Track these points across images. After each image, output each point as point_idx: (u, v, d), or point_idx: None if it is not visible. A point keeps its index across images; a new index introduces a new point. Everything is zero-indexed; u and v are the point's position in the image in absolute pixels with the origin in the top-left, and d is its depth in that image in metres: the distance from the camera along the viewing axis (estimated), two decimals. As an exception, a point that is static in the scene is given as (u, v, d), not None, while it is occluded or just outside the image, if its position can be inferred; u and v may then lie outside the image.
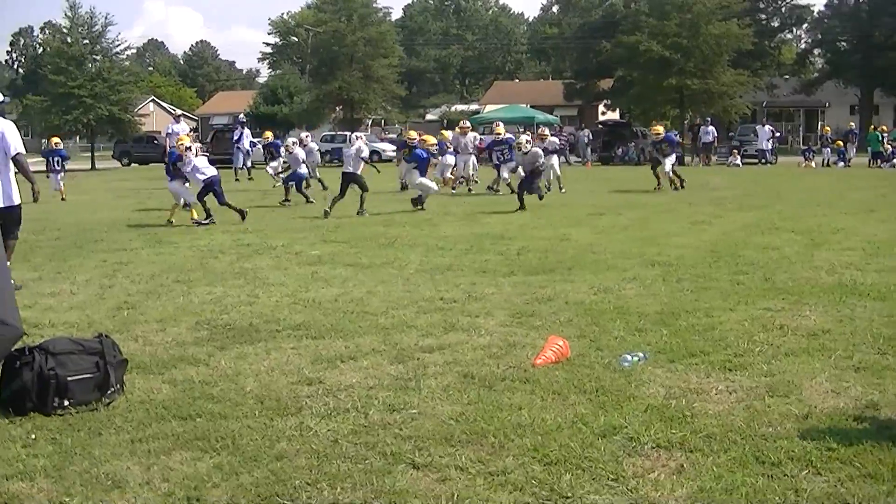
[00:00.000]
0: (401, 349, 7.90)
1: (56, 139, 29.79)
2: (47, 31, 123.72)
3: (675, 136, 28.41)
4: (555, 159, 26.02)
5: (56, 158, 27.53)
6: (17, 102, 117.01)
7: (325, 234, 16.56)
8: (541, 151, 22.04)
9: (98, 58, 60.70)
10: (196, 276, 12.20)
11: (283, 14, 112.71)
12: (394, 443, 5.55)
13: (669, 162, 26.25)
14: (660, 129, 27.85)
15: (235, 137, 37.02)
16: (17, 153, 11.22)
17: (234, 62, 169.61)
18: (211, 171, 18.87)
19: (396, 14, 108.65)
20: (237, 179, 34.08)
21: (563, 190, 25.73)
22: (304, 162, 24.43)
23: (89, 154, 61.84)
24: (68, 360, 6.40)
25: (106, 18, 60.64)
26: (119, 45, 61.85)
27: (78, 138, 77.34)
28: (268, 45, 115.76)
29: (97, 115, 57.56)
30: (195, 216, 18.97)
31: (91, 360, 6.48)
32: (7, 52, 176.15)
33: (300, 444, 5.58)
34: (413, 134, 25.48)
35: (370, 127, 72.77)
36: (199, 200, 18.77)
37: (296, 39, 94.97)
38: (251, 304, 10.21)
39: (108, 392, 6.46)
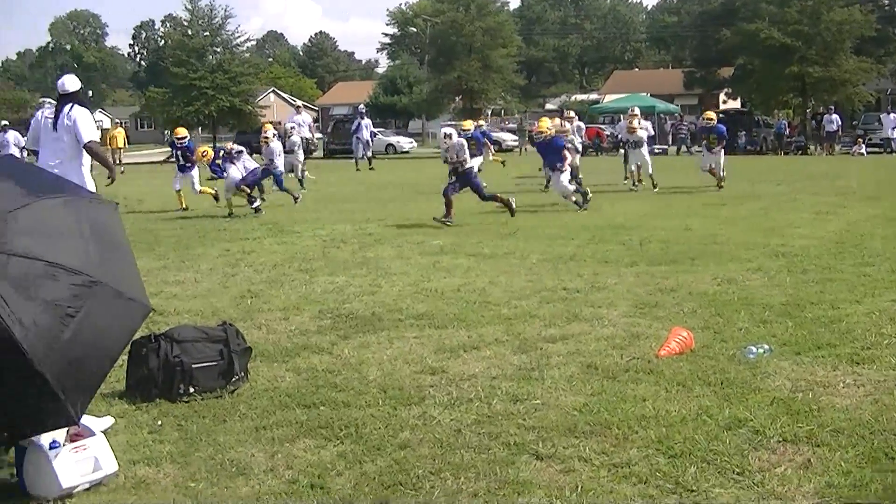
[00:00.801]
0: (524, 339, 7.91)
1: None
2: (168, 25, 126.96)
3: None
4: (645, 153, 23.36)
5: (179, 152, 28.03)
6: (139, 94, 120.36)
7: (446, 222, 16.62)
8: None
9: (218, 50, 61.96)
10: (318, 266, 12.38)
11: (401, 4, 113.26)
12: (517, 433, 5.58)
13: (707, 160, 23.07)
14: (711, 115, 24.79)
15: (354, 128, 37.48)
16: (90, 141, 10.88)
17: (353, 53, 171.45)
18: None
19: (514, 4, 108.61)
20: (358, 169, 34.48)
21: (656, 189, 22.49)
22: (279, 155, 21.88)
23: (211, 145, 63.26)
24: (193, 347, 6.58)
25: (225, 11, 62.01)
26: (239, 37, 63.10)
27: (200, 129, 79.16)
28: (386, 35, 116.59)
29: (218, 107, 58.76)
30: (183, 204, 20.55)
31: (215, 347, 6.65)
32: (130, 45, 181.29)
33: (423, 433, 5.65)
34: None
35: (489, 117, 72.83)
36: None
37: (414, 30, 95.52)
38: (373, 293, 10.33)
39: (233, 379, 6.63)
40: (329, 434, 5.67)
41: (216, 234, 16.21)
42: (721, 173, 22.84)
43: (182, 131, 22.49)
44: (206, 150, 21.79)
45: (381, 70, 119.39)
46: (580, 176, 21.31)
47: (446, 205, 16.64)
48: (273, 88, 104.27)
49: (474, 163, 19.32)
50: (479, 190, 17.26)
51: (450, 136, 17.42)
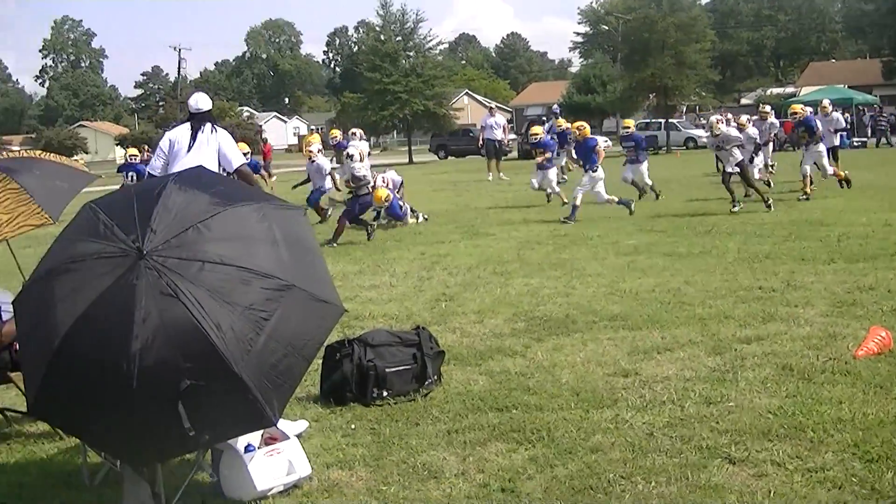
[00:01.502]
0: (718, 340, 7.85)
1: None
2: (361, 30, 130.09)
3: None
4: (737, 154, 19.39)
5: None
6: (335, 100, 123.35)
7: (642, 223, 16.53)
8: (735, 133, 18.79)
9: (411, 54, 62.81)
10: (513, 268, 12.52)
11: (592, 2, 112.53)
12: (710, 436, 5.56)
13: (810, 157, 19.84)
14: (797, 108, 21.43)
15: (547, 128, 37.59)
16: (241, 165, 10.23)
17: (545, 53, 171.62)
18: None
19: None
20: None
21: (806, 195, 19.44)
22: (329, 174, 21.02)
23: (406, 148, 64.25)
24: (387, 351, 6.79)
25: (417, 15, 62.54)
26: (431, 40, 63.83)
27: (395, 133, 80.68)
28: (578, 34, 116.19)
29: (413, 110, 59.57)
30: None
31: (409, 351, 6.85)
32: (324, 51, 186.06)
33: (615, 436, 5.68)
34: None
35: (685, 113, 71.64)
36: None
37: (606, 28, 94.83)
38: (568, 295, 10.39)
39: (426, 383, 6.80)
40: (521, 437, 5.76)
41: (412, 238, 16.53)
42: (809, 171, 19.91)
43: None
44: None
45: (573, 69, 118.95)
46: (647, 182, 21.20)
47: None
48: (467, 90, 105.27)
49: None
50: None
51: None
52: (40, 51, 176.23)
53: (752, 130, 22.05)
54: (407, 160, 58.22)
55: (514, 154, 48.43)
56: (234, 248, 4.60)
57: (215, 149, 9.93)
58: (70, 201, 5.85)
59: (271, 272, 4.58)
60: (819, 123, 20.23)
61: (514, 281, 11.50)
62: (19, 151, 7.33)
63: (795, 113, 21.15)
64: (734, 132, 18.53)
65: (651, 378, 6.87)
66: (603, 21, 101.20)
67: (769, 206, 17.21)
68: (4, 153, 7.05)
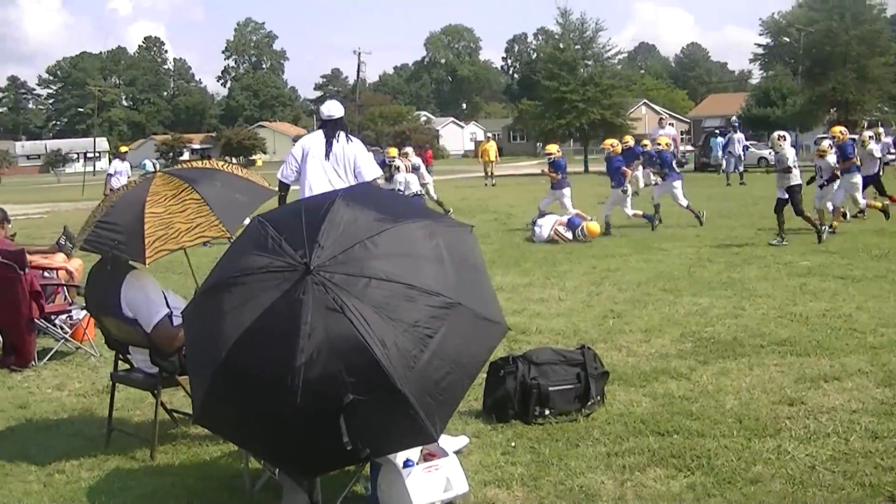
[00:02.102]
0: (889, 371, 7.64)
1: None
2: (540, 38, 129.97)
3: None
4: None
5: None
6: (512, 107, 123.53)
7: (816, 243, 16.15)
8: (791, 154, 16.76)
9: (590, 63, 62.62)
10: (683, 286, 12.39)
11: (773, 13, 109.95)
12: (874, 473, 5.43)
13: (840, 192, 18.11)
14: (837, 130, 19.12)
15: (726, 141, 36.97)
16: (375, 178, 10.19)
17: (725, 63, 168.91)
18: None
19: (892, 9, 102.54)
20: (728, 184, 33.92)
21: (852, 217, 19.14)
22: (408, 184, 21.80)
23: (582, 157, 64.04)
24: (550, 370, 6.82)
25: (596, 24, 62.13)
26: (610, 49, 63.45)
27: (571, 142, 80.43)
28: (759, 45, 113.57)
29: (589, 119, 59.38)
30: None
31: (573, 371, 6.87)
32: (503, 58, 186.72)
33: (776, 467, 5.59)
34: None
35: (865, 129, 69.51)
36: None
37: (787, 40, 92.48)
38: (737, 316, 10.25)
39: (588, 403, 6.80)
40: (680, 464, 5.72)
41: (583, 251, 16.51)
42: (827, 207, 18.10)
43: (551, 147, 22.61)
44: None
45: (753, 81, 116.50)
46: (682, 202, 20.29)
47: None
48: (644, 100, 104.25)
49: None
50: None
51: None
52: (223, 52, 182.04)
53: (875, 148, 21.12)
54: (582, 169, 58.03)
55: (691, 166, 47.75)
56: (401, 265, 4.66)
57: (351, 159, 9.91)
58: (249, 215, 6.05)
59: (437, 290, 4.63)
60: None
61: (683, 299, 11.40)
62: (202, 161, 7.61)
63: (837, 136, 18.75)
64: (790, 154, 16.56)
65: (816, 408, 6.73)
66: (784, 33, 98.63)
67: (820, 238, 16.19)
68: (186, 162, 7.35)
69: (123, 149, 29.98)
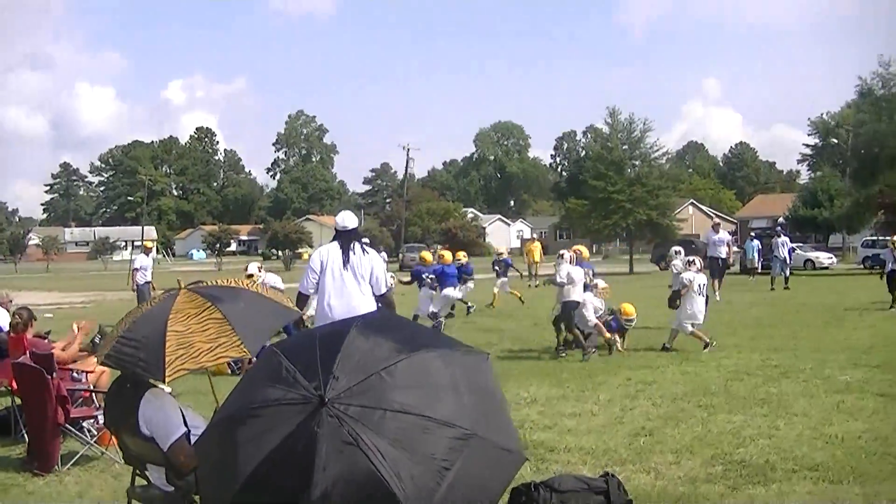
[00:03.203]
0: (924, 501, 7.49)
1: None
2: (589, 135, 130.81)
3: None
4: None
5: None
6: (559, 205, 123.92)
7: (858, 356, 15.92)
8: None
9: (637, 163, 62.88)
10: (718, 401, 12.24)
11: (822, 114, 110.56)
12: None
13: None
14: None
15: (782, 243, 36.58)
16: (389, 290, 10.72)
17: (773, 163, 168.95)
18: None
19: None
20: (772, 288, 33.68)
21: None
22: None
23: (628, 258, 63.99)
24: (573, 497, 6.78)
25: (644, 124, 62.56)
26: (657, 150, 63.67)
27: (617, 242, 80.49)
28: (807, 146, 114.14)
29: (636, 220, 59.51)
30: None
31: (596, 499, 6.78)
32: (551, 155, 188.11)
33: None
34: None
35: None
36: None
37: (835, 141, 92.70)
38: (771, 436, 10.11)
39: (614, 532, 6.77)
40: None
41: (619, 361, 16.41)
42: None
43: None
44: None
45: (801, 181, 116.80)
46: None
47: None
48: (692, 200, 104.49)
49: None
50: None
51: None
52: (273, 144, 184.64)
53: None
54: (628, 269, 57.97)
55: (736, 268, 47.52)
56: (417, 396, 4.67)
57: (368, 269, 10.19)
58: (270, 337, 6.13)
59: (453, 420, 4.63)
60: None
61: (718, 416, 11.27)
62: (227, 279, 7.68)
63: None
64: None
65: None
66: (833, 133, 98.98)
67: None
68: (206, 282, 7.40)
69: (149, 244, 30.78)
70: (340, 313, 9.55)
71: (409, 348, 4.86)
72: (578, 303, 16.91)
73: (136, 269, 27.00)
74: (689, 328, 17.51)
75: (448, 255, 24.81)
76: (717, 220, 33.18)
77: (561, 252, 17.72)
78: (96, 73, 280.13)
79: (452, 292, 22.94)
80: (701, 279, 17.85)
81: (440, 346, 5.09)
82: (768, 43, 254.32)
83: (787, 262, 36.03)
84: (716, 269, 30.64)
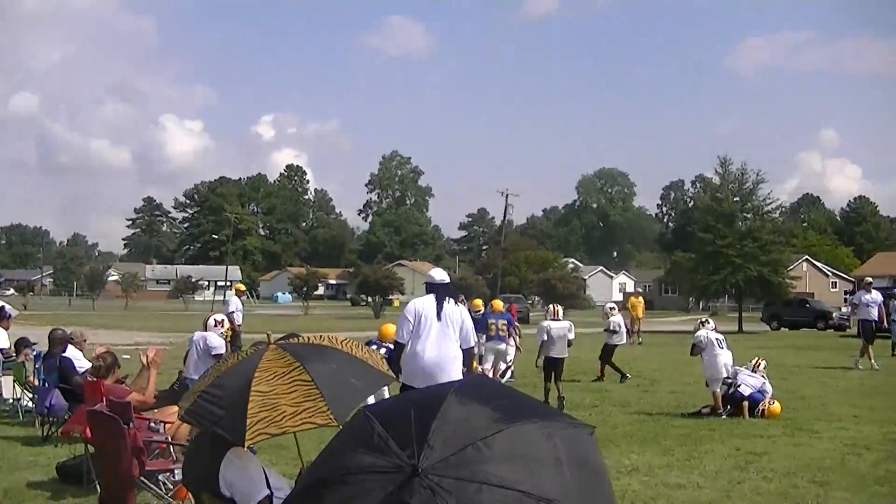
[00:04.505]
0: None
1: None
2: (698, 185, 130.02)
3: None
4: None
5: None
6: (664, 258, 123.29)
7: None
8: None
9: (748, 216, 62.19)
10: (833, 478, 11.93)
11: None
12: None
13: None
14: None
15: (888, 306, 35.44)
16: (472, 346, 11.75)
17: (895, 219, 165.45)
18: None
19: None
20: (893, 354, 32.84)
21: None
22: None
23: (736, 315, 63.19)
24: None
25: (758, 175, 61.82)
26: (770, 202, 62.86)
27: (725, 298, 79.46)
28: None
29: (746, 276, 58.72)
30: None
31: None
32: (658, 205, 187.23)
33: None
34: None
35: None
36: None
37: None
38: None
39: None
40: None
41: (728, 428, 16.13)
42: None
43: None
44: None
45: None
46: None
47: None
48: (806, 256, 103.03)
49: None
50: None
51: None
52: (366, 185, 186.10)
53: None
54: (737, 328, 57.18)
55: (853, 331, 46.64)
56: (516, 470, 4.56)
57: (459, 322, 11.17)
58: (361, 403, 6.04)
59: (553, 497, 4.51)
60: None
61: (833, 494, 10.99)
62: (319, 336, 7.65)
63: None
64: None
65: None
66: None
67: None
68: (298, 338, 7.41)
69: (241, 287, 31.04)
70: (430, 359, 10.79)
71: (509, 418, 4.78)
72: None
73: (232, 312, 27.26)
74: (719, 387, 17.81)
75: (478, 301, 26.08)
76: (870, 279, 31.31)
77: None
78: (185, 105, 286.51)
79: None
80: (716, 335, 18.25)
81: (541, 417, 5.01)
82: (889, 92, 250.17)
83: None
84: (869, 332, 28.82)
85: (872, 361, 27.30)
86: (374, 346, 20.47)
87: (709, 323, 18.68)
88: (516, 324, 24.86)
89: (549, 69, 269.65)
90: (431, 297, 11.26)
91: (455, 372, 10.75)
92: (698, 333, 18.33)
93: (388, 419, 4.85)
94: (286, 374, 6.54)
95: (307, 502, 4.84)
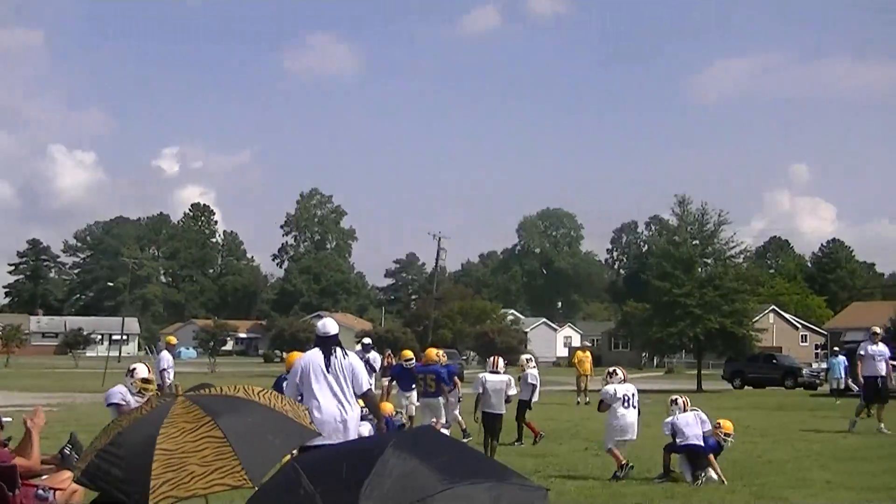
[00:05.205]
0: None
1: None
2: (653, 227, 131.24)
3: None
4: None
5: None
6: (615, 309, 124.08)
7: None
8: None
9: (709, 261, 62.57)
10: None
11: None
12: None
13: None
14: None
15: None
16: (369, 389, 12.66)
17: (873, 265, 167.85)
18: None
19: None
20: (869, 414, 33.04)
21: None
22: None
23: (695, 372, 63.55)
24: None
25: (719, 216, 62.02)
26: (734, 246, 63.21)
27: (683, 353, 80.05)
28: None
29: (705, 329, 58.94)
30: None
31: None
32: (608, 250, 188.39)
33: None
34: None
35: None
36: None
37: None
38: None
39: None
40: None
41: (687, 496, 16.16)
42: None
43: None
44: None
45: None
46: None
47: None
48: (773, 307, 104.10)
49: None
50: None
51: None
52: (282, 226, 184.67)
53: None
54: (695, 387, 57.52)
55: (825, 389, 47.26)
56: None
57: (349, 371, 12.18)
58: (279, 462, 5.98)
59: None
60: None
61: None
62: (234, 387, 7.58)
63: None
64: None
65: None
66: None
67: None
68: (210, 389, 7.33)
69: (173, 340, 30.40)
70: (326, 415, 11.69)
71: (453, 478, 4.79)
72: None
73: (164, 370, 26.72)
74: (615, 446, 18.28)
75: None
76: (877, 328, 30.06)
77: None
78: (76, 133, 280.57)
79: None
80: (626, 389, 18.54)
81: (489, 477, 5.01)
82: (868, 122, 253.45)
83: (885, 382, 34.22)
84: (873, 390, 27.64)
85: (881, 425, 26.62)
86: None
87: (617, 374, 18.95)
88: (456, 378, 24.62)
89: (489, 95, 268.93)
90: (318, 350, 12.29)
91: (352, 422, 11.89)
92: (605, 388, 18.73)
93: (317, 473, 4.83)
94: (195, 430, 6.46)
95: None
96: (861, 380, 27.51)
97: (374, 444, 5.02)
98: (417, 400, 23.02)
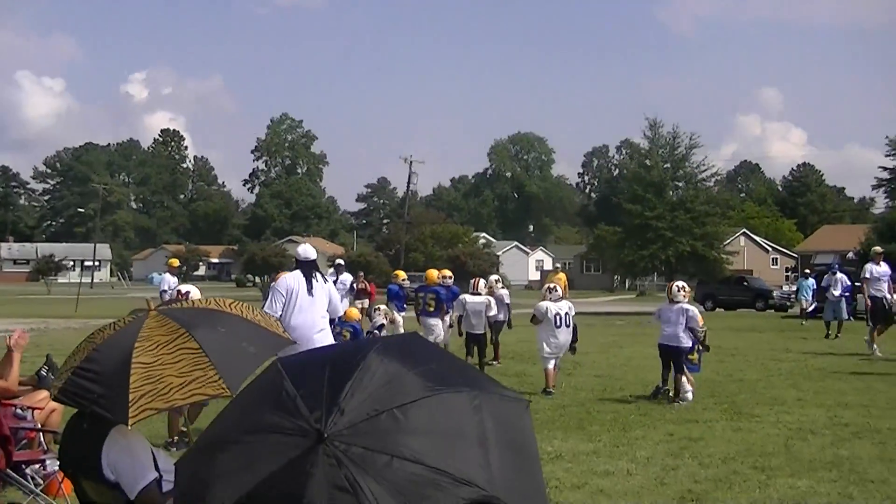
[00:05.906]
0: None
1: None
2: (624, 151, 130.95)
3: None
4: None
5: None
6: (587, 232, 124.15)
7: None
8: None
9: (680, 185, 62.69)
10: (778, 463, 12.19)
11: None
12: None
13: None
14: None
15: (825, 283, 35.52)
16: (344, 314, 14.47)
17: (843, 189, 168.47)
18: None
19: None
20: (828, 334, 33.22)
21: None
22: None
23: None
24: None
25: (690, 139, 62.31)
26: (705, 169, 63.40)
27: (655, 276, 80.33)
28: (884, 168, 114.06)
29: (677, 251, 59.15)
30: None
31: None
32: (579, 174, 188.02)
33: None
34: None
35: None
36: None
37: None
38: (842, 508, 10.11)
39: None
40: None
41: (661, 413, 16.37)
42: None
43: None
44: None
45: (877, 210, 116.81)
46: None
47: None
48: (744, 230, 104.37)
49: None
50: None
51: None
52: (252, 151, 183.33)
53: None
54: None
55: (796, 310, 47.46)
56: (434, 444, 4.55)
57: (327, 296, 13.49)
58: (255, 370, 5.96)
59: (472, 479, 4.48)
60: None
61: (777, 481, 11.20)
62: (206, 300, 7.58)
63: None
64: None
65: None
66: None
67: None
68: (184, 301, 7.32)
69: (175, 262, 29.61)
70: (303, 332, 12.41)
71: (435, 385, 4.72)
72: None
73: (164, 292, 26.35)
74: (551, 363, 18.68)
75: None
76: (879, 248, 29.55)
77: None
78: (43, 60, 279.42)
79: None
80: (560, 307, 18.86)
81: (472, 386, 4.94)
82: (840, 46, 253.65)
83: (845, 305, 34.83)
84: (878, 312, 26.97)
85: (875, 347, 26.32)
86: (339, 328, 20.86)
87: (556, 291, 19.21)
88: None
89: (460, 20, 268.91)
90: (298, 274, 13.40)
91: (326, 341, 12.76)
92: (539, 304, 18.98)
93: (299, 375, 4.76)
94: (170, 343, 6.45)
95: (203, 461, 4.75)
96: (868, 301, 26.87)
97: (358, 349, 4.97)
98: (418, 320, 23.10)
